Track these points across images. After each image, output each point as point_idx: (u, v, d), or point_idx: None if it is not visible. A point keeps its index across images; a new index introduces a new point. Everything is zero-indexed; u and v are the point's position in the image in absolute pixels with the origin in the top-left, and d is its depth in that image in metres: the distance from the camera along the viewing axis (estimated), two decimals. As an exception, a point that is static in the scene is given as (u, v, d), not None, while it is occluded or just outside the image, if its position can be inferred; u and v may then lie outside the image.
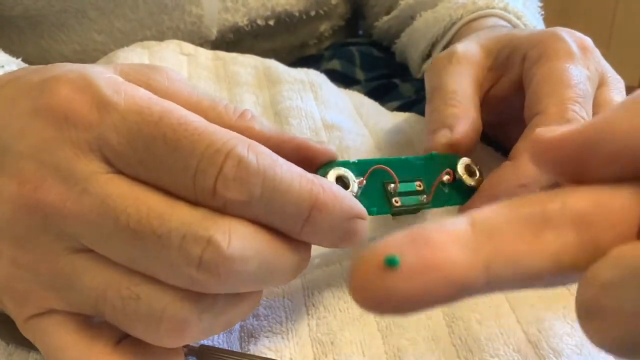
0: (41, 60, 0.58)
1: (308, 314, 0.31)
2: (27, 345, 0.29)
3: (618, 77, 0.38)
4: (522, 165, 0.31)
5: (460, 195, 0.34)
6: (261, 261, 0.24)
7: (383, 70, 0.62)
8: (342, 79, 0.56)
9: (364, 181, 0.31)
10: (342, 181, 0.30)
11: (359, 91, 0.54)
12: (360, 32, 0.77)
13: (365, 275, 0.17)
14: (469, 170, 0.34)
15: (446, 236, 0.18)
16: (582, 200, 0.18)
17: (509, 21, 0.50)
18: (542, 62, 0.35)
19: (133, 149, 0.23)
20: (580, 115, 0.33)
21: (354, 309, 0.32)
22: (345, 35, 0.73)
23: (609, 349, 0.18)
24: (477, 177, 0.34)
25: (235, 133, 0.24)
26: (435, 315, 0.31)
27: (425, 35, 0.56)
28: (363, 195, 0.31)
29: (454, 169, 0.34)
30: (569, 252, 0.18)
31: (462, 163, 0.34)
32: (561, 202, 0.18)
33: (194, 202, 0.24)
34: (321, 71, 0.54)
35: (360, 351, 0.29)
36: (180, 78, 0.28)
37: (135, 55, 0.49)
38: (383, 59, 0.64)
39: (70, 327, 0.25)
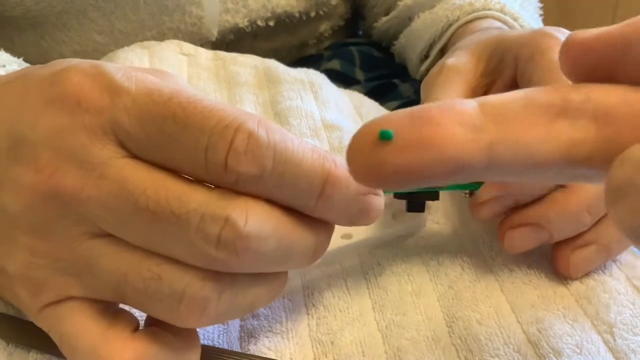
0: (41, 61, 0.57)
1: (308, 314, 0.31)
2: (27, 344, 0.29)
3: None
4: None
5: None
6: (279, 240, 0.24)
7: (383, 70, 0.62)
8: (342, 79, 0.56)
9: None
10: None
11: (358, 91, 0.54)
12: (360, 32, 0.77)
13: (359, 146, 0.18)
14: None
15: (450, 115, 0.18)
16: (609, 95, 0.18)
17: (505, 22, 0.50)
18: (537, 58, 0.35)
19: (145, 130, 0.24)
20: None
21: (354, 309, 0.32)
22: (345, 36, 0.73)
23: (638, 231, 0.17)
24: None
25: (244, 110, 0.24)
26: (436, 316, 0.31)
27: (423, 37, 0.56)
28: None
29: None
30: (585, 144, 0.18)
31: None
32: (585, 94, 0.18)
33: (207, 181, 0.24)
34: (321, 71, 0.54)
35: (360, 351, 0.29)
36: (187, 85, 0.29)
37: (135, 55, 0.49)
38: (383, 59, 0.64)
39: (87, 313, 0.25)
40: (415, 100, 0.55)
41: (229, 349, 0.29)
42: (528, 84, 0.35)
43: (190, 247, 0.23)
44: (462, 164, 0.17)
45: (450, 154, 0.17)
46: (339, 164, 0.25)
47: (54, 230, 0.25)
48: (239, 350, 0.29)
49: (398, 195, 0.33)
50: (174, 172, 0.24)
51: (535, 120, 0.18)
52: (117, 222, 0.24)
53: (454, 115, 0.17)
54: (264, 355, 0.29)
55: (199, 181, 0.24)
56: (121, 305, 0.27)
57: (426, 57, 0.56)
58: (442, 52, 0.54)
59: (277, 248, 0.24)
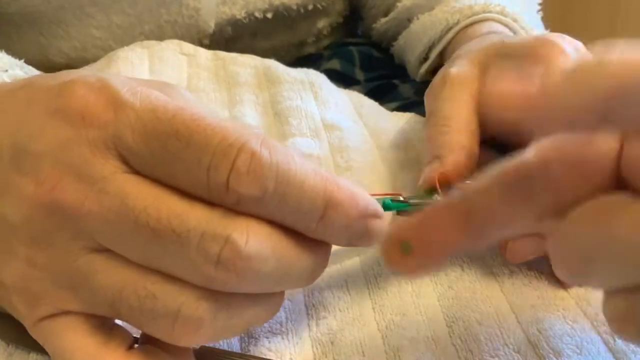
0: (41, 57, 0.58)
1: (308, 314, 0.31)
2: (27, 345, 0.29)
3: None
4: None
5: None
6: (278, 261, 0.24)
7: (383, 70, 0.62)
8: (342, 79, 0.56)
9: None
10: None
11: (358, 91, 0.54)
12: (359, 32, 0.77)
13: (390, 257, 0.24)
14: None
15: (442, 217, 0.23)
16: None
17: (506, 25, 0.50)
18: (539, 68, 0.35)
19: (148, 146, 0.23)
20: None
21: (354, 309, 0.32)
22: (343, 34, 0.72)
23: None
24: None
25: (248, 129, 0.24)
26: (436, 316, 0.31)
27: (422, 39, 0.56)
28: None
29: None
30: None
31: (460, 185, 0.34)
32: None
33: (209, 200, 0.24)
34: (321, 71, 0.54)
35: (361, 351, 0.29)
36: (192, 97, 0.29)
37: (135, 55, 0.49)
38: (383, 59, 0.64)
39: (82, 329, 0.25)
40: (415, 102, 0.54)
41: (229, 349, 0.29)
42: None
43: (189, 265, 0.23)
44: (462, 247, 0.24)
45: (452, 248, 0.24)
46: (341, 187, 0.25)
47: (53, 243, 0.24)
48: (239, 351, 0.29)
49: (400, 213, 0.32)
50: (176, 189, 0.24)
51: (507, 202, 0.22)
52: (116, 237, 0.24)
53: (445, 216, 0.23)
54: (264, 356, 0.29)
55: (200, 199, 0.24)
56: (117, 321, 0.27)
57: (425, 58, 0.56)
58: (442, 54, 0.54)
59: (276, 269, 0.24)
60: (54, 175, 0.24)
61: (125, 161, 0.24)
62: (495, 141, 0.40)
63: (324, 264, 0.27)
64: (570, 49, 0.36)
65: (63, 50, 0.58)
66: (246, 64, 0.53)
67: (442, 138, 0.36)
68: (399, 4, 0.62)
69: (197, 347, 0.29)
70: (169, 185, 0.24)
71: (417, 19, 0.58)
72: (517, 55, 0.37)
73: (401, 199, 0.32)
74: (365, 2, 0.68)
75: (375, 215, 0.26)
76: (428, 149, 0.37)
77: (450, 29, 0.52)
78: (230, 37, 0.63)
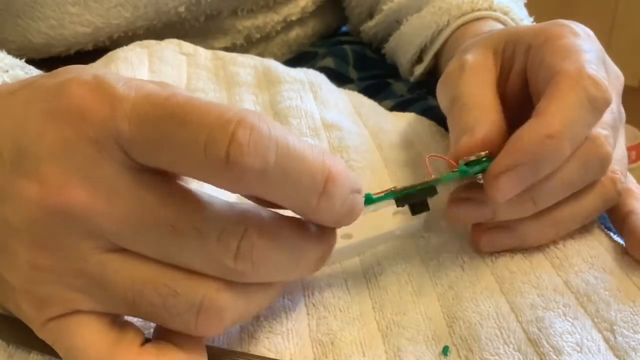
0: (22, 39, 0.57)
1: (308, 314, 0.31)
2: (28, 345, 0.29)
3: (619, 74, 0.38)
4: (548, 118, 0.31)
5: (472, 167, 0.32)
6: (290, 250, 0.26)
7: (376, 70, 0.62)
8: (336, 77, 0.56)
9: None
10: None
11: (352, 90, 0.54)
12: (349, 31, 0.76)
13: None
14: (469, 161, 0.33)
15: None
16: None
17: (497, 19, 0.50)
18: (549, 43, 0.35)
19: (144, 133, 0.23)
20: (600, 74, 0.32)
21: (354, 309, 0.32)
22: (330, 15, 0.71)
23: None
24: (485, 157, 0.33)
25: (244, 107, 0.24)
26: (436, 316, 0.31)
27: (413, 42, 0.56)
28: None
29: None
30: None
31: (462, 161, 0.33)
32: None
33: (209, 182, 0.24)
34: (315, 69, 0.54)
35: (361, 351, 0.29)
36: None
37: (134, 54, 0.49)
38: (376, 59, 0.64)
39: (94, 327, 0.25)
40: (410, 99, 0.54)
41: (229, 349, 0.29)
42: (538, 68, 0.35)
43: (208, 258, 0.24)
44: None
45: None
46: (337, 161, 0.25)
47: (60, 245, 0.24)
48: (240, 351, 0.29)
49: (400, 202, 0.31)
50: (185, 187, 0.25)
51: None
52: (133, 236, 0.24)
53: None
54: (265, 356, 0.29)
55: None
56: (128, 318, 0.28)
57: (418, 60, 0.56)
58: (437, 56, 0.54)
59: (288, 258, 0.26)
60: (59, 176, 0.24)
61: (128, 156, 0.24)
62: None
63: (329, 251, 0.28)
64: (581, 31, 0.36)
65: (42, 30, 0.57)
66: (246, 64, 0.53)
67: (471, 114, 0.35)
68: (384, 7, 0.62)
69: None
70: (174, 176, 0.25)
71: (407, 20, 0.57)
72: (527, 37, 0.37)
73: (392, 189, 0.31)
74: (349, 2, 0.68)
75: (360, 190, 0.27)
76: (455, 128, 0.35)
77: (440, 31, 0.52)
78: (210, 14, 0.61)
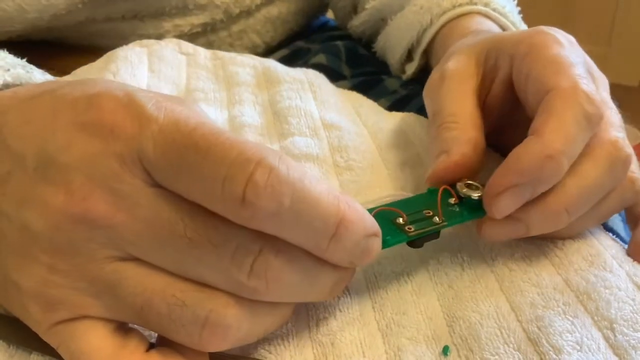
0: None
1: (308, 315, 0.31)
2: (28, 346, 0.29)
3: (602, 73, 0.38)
4: (547, 137, 0.31)
5: (474, 210, 0.33)
6: (303, 273, 0.26)
7: (369, 66, 0.62)
8: (328, 74, 0.56)
9: None
10: None
11: (344, 86, 0.54)
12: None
13: None
14: (469, 187, 0.34)
15: None
16: None
17: (482, 14, 0.50)
18: (534, 54, 0.35)
19: (167, 158, 0.24)
20: (592, 88, 0.33)
21: (354, 309, 0.32)
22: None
23: None
24: (480, 189, 0.33)
25: (266, 145, 0.24)
26: (436, 315, 0.31)
27: (400, 42, 0.56)
28: None
29: (455, 190, 0.34)
30: None
31: (460, 183, 0.34)
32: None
33: (223, 216, 0.24)
34: (308, 66, 0.54)
35: (361, 351, 0.29)
36: (206, 113, 0.29)
37: (134, 54, 0.49)
38: (368, 56, 0.64)
39: (100, 332, 0.26)
40: (406, 95, 0.55)
41: (229, 352, 0.29)
42: (525, 80, 0.35)
43: (222, 273, 0.25)
44: None
45: None
46: (351, 206, 0.26)
47: (79, 252, 0.25)
48: (240, 354, 0.29)
49: (411, 243, 0.32)
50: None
51: None
52: (150, 247, 0.25)
53: None
54: (264, 358, 0.29)
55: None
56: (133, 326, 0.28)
57: (408, 59, 0.57)
58: (426, 53, 0.54)
59: (301, 280, 0.26)
60: (84, 187, 0.24)
61: (149, 174, 0.25)
62: (497, 138, 0.40)
63: (344, 280, 0.28)
64: (564, 40, 0.36)
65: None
66: (245, 64, 0.53)
67: (449, 134, 0.36)
68: (367, 5, 0.62)
69: None
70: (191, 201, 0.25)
71: (392, 20, 0.58)
72: (509, 45, 0.37)
73: (401, 220, 0.31)
74: None
75: (377, 234, 0.27)
76: (434, 147, 0.36)
77: (425, 30, 0.53)
78: None
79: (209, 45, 0.64)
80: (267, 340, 0.30)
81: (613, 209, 0.35)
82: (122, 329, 0.27)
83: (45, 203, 0.25)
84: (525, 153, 0.31)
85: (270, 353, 0.29)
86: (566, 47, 0.35)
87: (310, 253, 0.26)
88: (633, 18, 1.98)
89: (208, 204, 0.24)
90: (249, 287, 0.25)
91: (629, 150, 0.33)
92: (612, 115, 0.35)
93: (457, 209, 0.33)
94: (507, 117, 0.38)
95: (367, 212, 0.27)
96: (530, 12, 0.57)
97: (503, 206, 0.31)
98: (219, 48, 0.64)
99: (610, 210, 0.35)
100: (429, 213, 0.32)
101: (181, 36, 0.62)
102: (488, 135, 0.37)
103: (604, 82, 0.37)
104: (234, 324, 0.25)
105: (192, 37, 0.63)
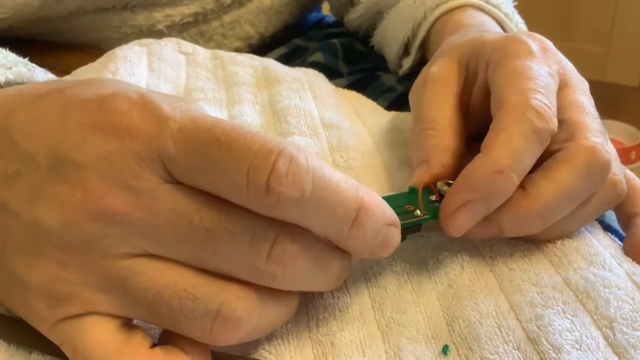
0: None
1: (308, 315, 0.31)
2: (29, 345, 0.29)
3: (581, 78, 0.38)
4: (496, 153, 0.32)
5: None
6: (316, 260, 0.27)
7: (365, 63, 0.63)
8: (326, 72, 0.57)
9: None
10: None
11: (342, 84, 0.54)
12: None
13: None
14: (449, 185, 0.34)
15: None
16: None
17: (475, 7, 0.51)
18: (503, 63, 0.35)
19: (189, 155, 0.25)
20: (544, 102, 0.33)
21: (354, 309, 0.32)
22: None
23: None
24: None
25: (283, 139, 0.26)
26: (436, 314, 0.31)
27: (396, 37, 0.56)
28: None
29: (436, 188, 0.35)
30: None
31: (440, 182, 0.35)
32: None
33: (247, 205, 0.25)
34: (306, 64, 0.54)
35: (360, 351, 0.29)
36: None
37: (133, 53, 0.49)
38: (365, 52, 0.64)
39: (105, 328, 0.26)
40: (404, 93, 0.55)
41: (228, 353, 0.29)
42: (492, 90, 0.36)
43: (240, 261, 0.25)
44: None
45: None
46: (370, 194, 0.26)
47: (93, 249, 0.25)
48: (239, 354, 0.29)
49: None
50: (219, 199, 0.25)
51: None
52: (168, 241, 0.25)
53: None
54: (264, 358, 0.29)
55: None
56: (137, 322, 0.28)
57: (405, 53, 0.57)
58: (423, 46, 0.55)
59: (314, 267, 0.27)
60: (102, 185, 0.25)
61: (168, 173, 0.25)
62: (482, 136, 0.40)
63: (347, 270, 0.29)
64: (537, 49, 0.36)
65: None
66: (245, 64, 0.53)
67: (428, 141, 0.37)
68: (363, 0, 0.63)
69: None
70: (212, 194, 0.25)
71: (387, 14, 0.58)
72: (487, 52, 0.37)
73: None
74: None
75: (396, 224, 0.28)
76: (415, 154, 0.37)
77: (420, 24, 0.53)
78: None
79: (201, 36, 0.64)
80: (267, 340, 0.30)
81: (595, 213, 0.36)
82: (127, 325, 0.27)
83: (61, 201, 0.25)
84: (475, 170, 0.32)
85: (270, 353, 0.29)
86: (536, 56, 0.36)
87: (321, 240, 0.27)
88: (633, 18, 1.98)
89: (232, 195, 0.25)
90: (267, 272, 0.25)
91: (607, 155, 0.33)
92: (591, 120, 0.35)
93: (437, 205, 0.34)
94: (490, 120, 0.39)
95: (386, 202, 0.27)
96: (531, 12, 0.57)
97: (459, 223, 0.32)
98: (212, 39, 0.65)
99: (592, 214, 0.35)
100: (411, 208, 0.33)
101: (172, 26, 0.62)
102: (472, 138, 0.38)
103: (583, 87, 0.37)
104: (245, 317, 0.26)
105: (183, 27, 0.63)
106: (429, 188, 0.35)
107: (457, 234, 0.32)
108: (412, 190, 0.35)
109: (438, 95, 0.38)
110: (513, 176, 0.31)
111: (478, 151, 0.33)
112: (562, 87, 0.36)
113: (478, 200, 0.32)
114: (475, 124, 0.39)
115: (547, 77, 0.35)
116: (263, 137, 0.24)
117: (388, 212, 0.27)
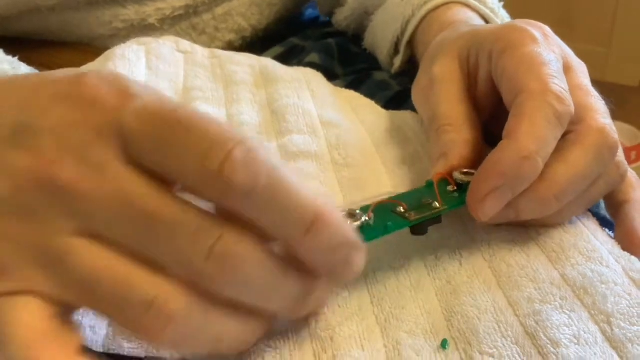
0: None
1: (307, 310, 0.31)
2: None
3: (580, 61, 0.39)
4: (521, 139, 0.32)
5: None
6: (264, 272, 0.25)
7: (360, 64, 0.63)
8: (322, 73, 0.57)
9: (371, 214, 0.31)
10: (350, 215, 0.31)
11: (338, 85, 0.54)
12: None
13: None
14: (465, 174, 0.35)
15: None
16: None
17: (462, 3, 0.51)
18: (509, 52, 0.36)
19: (147, 132, 0.24)
20: (562, 87, 0.34)
21: (353, 304, 0.32)
22: None
23: None
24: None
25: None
26: (434, 310, 0.31)
27: (385, 37, 0.57)
28: (376, 219, 0.31)
29: (453, 179, 0.35)
30: None
31: (456, 172, 0.35)
32: None
33: (199, 191, 0.24)
34: (302, 64, 0.54)
35: (360, 345, 0.29)
36: None
37: (132, 52, 0.50)
38: (360, 53, 0.65)
39: (38, 312, 0.25)
40: (401, 91, 0.55)
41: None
42: (501, 78, 0.36)
43: (179, 254, 0.24)
44: None
45: None
46: (331, 208, 0.25)
47: (37, 219, 0.25)
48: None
49: (413, 229, 0.33)
50: (171, 187, 0.25)
51: None
52: (108, 221, 0.24)
53: None
54: (264, 353, 0.29)
55: (189, 189, 0.25)
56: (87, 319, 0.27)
57: (396, 53, 0.57)
58: (411, 44, 0.55)
59: (261, 278, 0.25)
60: (53, 151, 0.24)
61: (126, 150, 0.25)
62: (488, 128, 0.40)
63: (315, 298, 0.28)
64: (540, 35, 0.37)
65: None
66: (243, 63, 0.53)
67: (446, 136, 0.37)
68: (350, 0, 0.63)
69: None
70: (164, 180, 0.25)
71: (375, 15, 0.59)
72: (488, 42, 0.38)
73: (401, 209, 0.32)
74: None
75: (358, 248, 0.27)
76: (434, 150, 0.37)
77: (408, 22, 0.53)
78: None
79: (193, 29, 0.64)
80: (266, 336, 0.30)
81: (600, 193, 0.37)
82: (63, 318, 0.26)
83: (12, 166, 0.25)
84: (502, 156, 0.32)
85: (269, 347, 0.29)
86: (541, 42, 0.36)
87: (277, 256, 0.26)
88: (633, 18, 1.98)
89: (184, 177, 0.24)
90: (205, 272, 0.24)
91: (616, 136, 0.34)
92: (597, 102, 0.36)
93: (456, 195, 0.34)
94: (496, 109, 0.39)
95: (350, 228, 0.26)
96: (531, 12, 0.57)
97: (487, 209, 0.32)
98: (204, 31, 0.65)
99: (598, 195, 0.36)
100: (428, 201, 0.33)
101: (164, 20, 0.62)
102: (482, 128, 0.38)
103: (583, 70, 0.38)
104: (180, 314, 0.24)
105: (175, 20, 0.63)
106: (446, 180, 0.35)
107: (485, 219, 0.33)
108: (429, 185, 0.35)
109: (447, 93, 0.39)
110: (539, 161, 0.32)
111: (485, 138, 0.33)
112: (566, 71, 0.37)
113: (505, 186, 0.32)
114: (484, 115, 0.39)
115: (556, 62, 0.35)
116: (225, 125, 0.24)
117: (349, 234, 0.26)
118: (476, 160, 0.36)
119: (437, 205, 0.33)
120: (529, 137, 0.32)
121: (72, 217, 0.25)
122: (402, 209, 0.32)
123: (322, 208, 0.25)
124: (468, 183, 0.34)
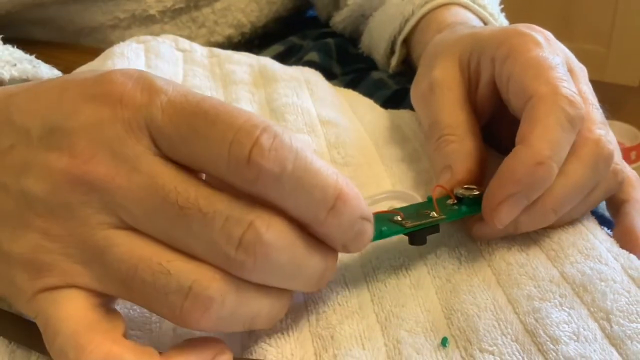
0: None
1: (307, 309, 0.31)
2: (29, 344, 0.29)
3: (581, 65, 0.39)
4: (535, 145, 0.32)
5: (471, 205, 0.34)
6: (292, 255, 0.26)
7: (359, 64, 0.63)
8: (320, 72, 0.57)
9: None
10: None
11: (336, 85, 0.54)
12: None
13: None
14: (466, 189, 0.35)
15: None
16: None
17: (461, 5, 0.51)
18: (514, 57, 0.35)
19: (175, 125, 0.25)
20: (572, 90, 0.34)
21: (353, 302, 0.32)
22: None
23: None
24: (476, 188, 0.35)
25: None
26: (434, 308, 0.31)
27: (383, 36, 0.57)
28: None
29: (453, 192, 0.35)
30: None
31: (458, 188, 0.35)
32: None
33: (228, 179, 0.25)
34: (301, 63, 0.55)
35: (360, 344, 0.29)
36: None
37: (131, 50, 0.50)
38: (358, 54, 0.65)
39: (82, 303, 0.26)
40: (399, 90, 0.55)
41: (230, 347, 0.29)
42: (507, 83, 0.36)
43: (210, 245, 0.25)
44: None
45: None
46: (349, 185, 0.26)
47: (75, 216, 0.25)
48: (239, 347, 0.29)
49: (409, 236, 0.33)
50: (201, 177, 0.26)
51: None
52: (142, 214, 0.25)
53: None
54: (265, 351, 0.29)
55: (217, 178, 0.25)
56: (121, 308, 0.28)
57: (392, 53, 0.57)
58: (406, 43, 0.55)
59: (289, 262, 0.26)
60: (88, 150, 0.25)
61: (155, 143, 0.25)
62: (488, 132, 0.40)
63: (330, 271, 0.28)
64: (542, 39, 0.37)
65: None
66: (242, 62, 0.53)
67: (449, 147, 0.37)
68: (349, 1, 0.63)
69: None
70: (194, 170, 0.25)
71: (373, 17, 0.59)
72: (490, 48, 0.38)
73: (398, 218, 0.32)
74: None
75: (370, 219, 0.28)
76: (437, 160, 0.38)
77: (407, 21, 0.54)
78: None
79: (193, 22, 0.65)
80: (267, 334, 0.30)
81: (598, 200, 0.37)
82: (105, 307, 0.27)
83: (48, 167, 0.25)
84: (517, 163, 0.32)
85: (271, 346, 0.29)
86: (544, 47, 0.36)
87: (302, 236, 0.26)
88: (632, 18, 1.98)
89: (214, 168, 0.25)
90: (236, 261, 0.25)
91: (611, 146, 0.34)
92: (594, 111, 0.36)
93: (456, 207, 0.34)
94: (497, 112, 0.39)
95: (363, 199, 0.27)
96: (530, 12, 0.57)
97: (503, 217, 0.32)
98: (204, 25, 0.65)
99: (595, 202, 0.37)
100: (427, 212, 0.33)
101: (165, 12, 0.63)
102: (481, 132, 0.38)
103: (583, 75, 0.38)
104: (218, 298, 0.25)
105: (175, 12, 0.64)
106: (447, 195, 0.35)
107: (500, 226, 0.33)
108: (430, 200, 0.35)
109: (448, 99, 0.39)
110: (553, 166, 0.32)
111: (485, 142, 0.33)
112: (570, 74, 0.36)
113: (520, 192, 0.32)
114: (483, 119, 0.39)
115: (563, 65, 0.35)
116: (250, 113, 0.25)
117: (364, 206, 0.27)
118: (480, 171, 0.36)
119: (435, 214, 0.33)
120: (543, 142, 0.32)
121: (109, 212, 0.25)
122: (399, 218, 0.32)
123: (342, 185, 0.26)
124: (468, 197, 0.34)
